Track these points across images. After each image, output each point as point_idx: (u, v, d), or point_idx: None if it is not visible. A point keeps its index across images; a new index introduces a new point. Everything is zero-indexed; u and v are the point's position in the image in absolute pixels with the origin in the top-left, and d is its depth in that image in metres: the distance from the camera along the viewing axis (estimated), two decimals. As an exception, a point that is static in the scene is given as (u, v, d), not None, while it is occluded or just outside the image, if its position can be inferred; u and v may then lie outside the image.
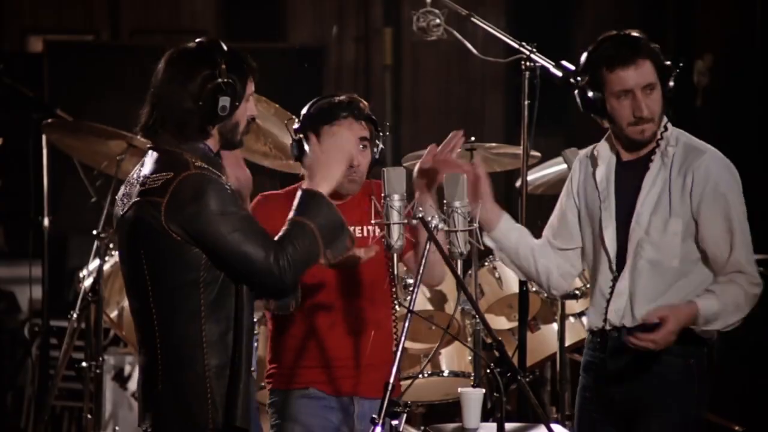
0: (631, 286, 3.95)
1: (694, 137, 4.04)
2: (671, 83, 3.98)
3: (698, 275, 3.95)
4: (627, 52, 3.93)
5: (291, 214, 3.54)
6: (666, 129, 3.99)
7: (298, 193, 3.58)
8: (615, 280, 3.97)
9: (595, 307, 4.04)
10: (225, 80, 3.54)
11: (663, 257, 3.92)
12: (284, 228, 3.52)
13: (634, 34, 3.99)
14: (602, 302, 4.01)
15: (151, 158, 3.57)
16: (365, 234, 4.21)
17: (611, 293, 3.98)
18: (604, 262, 4.00)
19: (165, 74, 3.57)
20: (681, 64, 4.00)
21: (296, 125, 4.25)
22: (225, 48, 3.60)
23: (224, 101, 3.54)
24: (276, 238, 3.50)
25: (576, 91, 4.02)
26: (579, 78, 4.01)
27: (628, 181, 4.00)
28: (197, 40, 3.63)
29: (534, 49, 4.89)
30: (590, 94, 3.97)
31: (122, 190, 3.61)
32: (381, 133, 4.25)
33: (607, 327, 3.99)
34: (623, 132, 3.96)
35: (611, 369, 3.99)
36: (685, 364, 3.95)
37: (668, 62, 3.98)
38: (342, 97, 4.21)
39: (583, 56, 4.04)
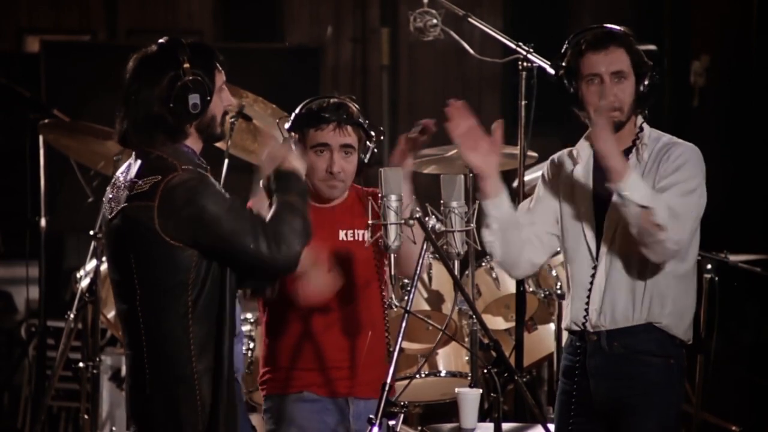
0: (607, 282, 3.96)
1: (675, 138, 4.06)
2: (647, 81, 3.97)
3: (671, 268, 3.94)
4: (600, 37, 3.95)
5: (275, 194, 3.59)
6: (641, 129, 4.00)
7: (273, 173, 3.62)
8: (593, 276, 3.98)
9: (575, 306, 4.05)
10: (191, 77, 3.53)
11: (635, 249, 3.91)
12: (273, 209, 3.56)
13: (617, 27, 4.01)
14: (581, 302, 4.02)
15: (137, 162, 3.57)
16: (356, 238, 4.21)
17: (590, 290, 3.99)
18: (584, 260, 4.01)
19: (132, 81, 3.56)
20: (656, 72, 3.99)
21: (287, 124, 4.25)
22: (186, 45, 3.58)
23: (194, 98, 3.53)
24: (268, 220, 3.52)
25: (555, 80, 4.04)
26: (558, 66, 4.02)
27: (605, 177, 4.01)
28: (159, 41, 3.62)
29: (531, 50, 4.90)
30: (565, 81, 3.98)
31: (108, 193, 3.61)
32: (373, 137, 4.24)
33: (589, 329, 4.00)
34: (592, 118, 3.97)
35: (592, 370, 4.01)
36: (665, 364, 3.97)
37: (650, 62, 3.98)
38: (333, 100, 4.20)
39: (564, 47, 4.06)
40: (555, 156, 4.18)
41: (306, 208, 3.57)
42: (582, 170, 4.05)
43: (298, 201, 3.57)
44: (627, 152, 3.99)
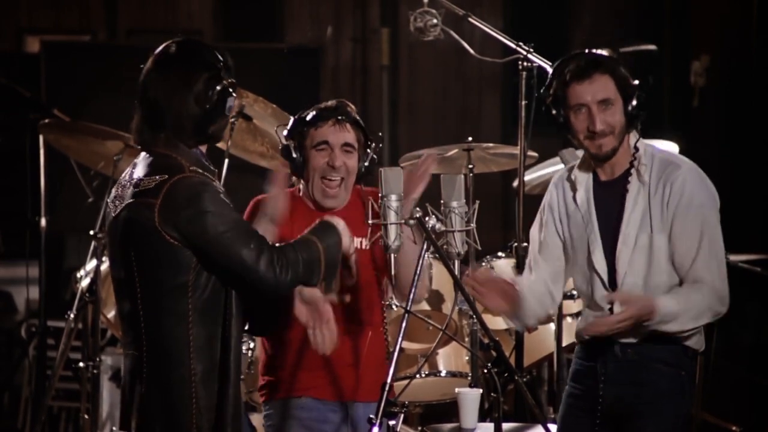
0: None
1: (669, 151, 4.06)
2: (634, 101, 3.96)
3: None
4: (583, 66, 3.94)
5: (305, 233, 3.59)
6: (636, 149, 4.00)
7: (318, 220, 3.63)
8: (613, 304, 3.97)
9: (590, 320, 4.05)
10: (230, 80, 3.54)
11: (652, 273, 3.94)
12: (294, 240, 3.57)
13: (599, 51, 4.00)
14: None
15: (144, 161, 3.56)
16: (356, 244, 4.20)
17: (610, 311, 3.98)
18: (598, 283, 4.01)
19: (162, 80, 3.55)
20: (651, 82, 3.99)
21: (285, 131, 4.24)
22: (214, 48, 3.59)
23: (231, 101, 3.55)
24: (282, 245, 3.53)
25: (543, 109, 4.04)
26: (545, 95, 4.02)
27: (609, 202, 4.02)
28: (179, 41, 3.60)
29: (531, 50, 4.90)
30: (553, 111, 3.99)
31: (113, 192, 3.61)
32: (371, 142, 4.23)
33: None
34: (582, 146, 3.99)
35: (603, 375, 4.01)
36: (676, 374, 3.98)
37: (636, 81, 3.97)
38: (330, 102, 4.20)
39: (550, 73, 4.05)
40: (553, 182, 4.18)
41: (322, 262, 3.56)
42: (583, 196, 4.06)
43: (321, 249, 3.56)
44: (627, 174, 4.00)
